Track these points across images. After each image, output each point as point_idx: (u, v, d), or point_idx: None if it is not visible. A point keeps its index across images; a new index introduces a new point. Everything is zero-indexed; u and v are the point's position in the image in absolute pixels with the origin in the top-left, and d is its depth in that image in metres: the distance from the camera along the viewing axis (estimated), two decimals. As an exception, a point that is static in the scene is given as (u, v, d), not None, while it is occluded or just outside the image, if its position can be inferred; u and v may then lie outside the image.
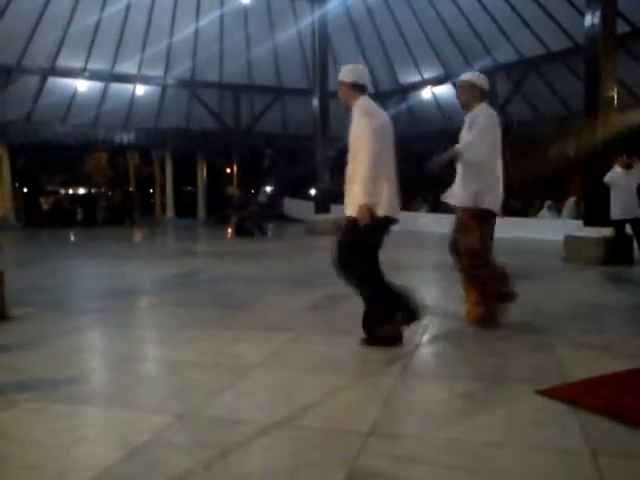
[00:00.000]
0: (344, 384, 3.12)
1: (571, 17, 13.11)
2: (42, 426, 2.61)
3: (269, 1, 17.85)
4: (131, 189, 24.09)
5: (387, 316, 3.76)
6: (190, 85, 19.33)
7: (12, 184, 18.84)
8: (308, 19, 16.83)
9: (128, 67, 18.03)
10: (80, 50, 17.04)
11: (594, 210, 8.59)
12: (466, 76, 4.42)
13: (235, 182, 23.03)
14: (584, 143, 9.08)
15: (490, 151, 4.21)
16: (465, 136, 4.27)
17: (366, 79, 3.91)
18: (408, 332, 3.95)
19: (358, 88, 3.82)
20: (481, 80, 4.37)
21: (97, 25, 16.63)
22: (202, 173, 22.19)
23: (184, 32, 17.61)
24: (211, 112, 19.79)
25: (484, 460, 2.25)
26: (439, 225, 13.98)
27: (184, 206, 22.85)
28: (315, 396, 2.92)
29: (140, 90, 18.75)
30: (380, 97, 20.50)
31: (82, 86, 17.82)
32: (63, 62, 17.08)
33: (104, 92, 18.40)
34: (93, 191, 27.75)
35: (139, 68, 18.33)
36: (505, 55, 15.95)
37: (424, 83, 18.65)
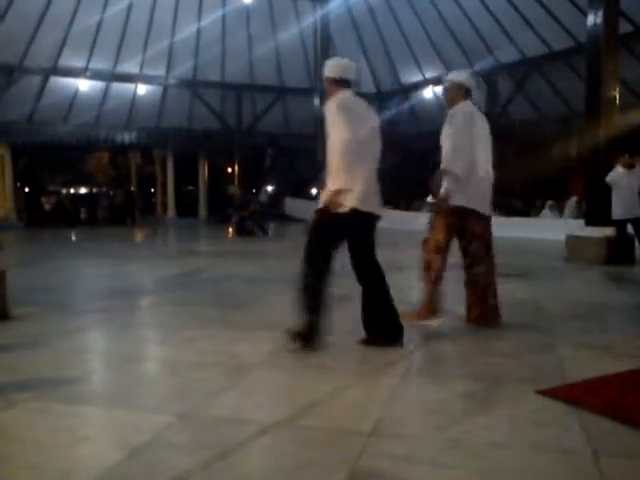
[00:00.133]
0: (345, 384, 3.12)
1: (573, 17, 13.09)
2: (43, 426, 2.61)
3: (271, 1, 17.85)
4: (133, 189, 24.11)
5: (317, 318, 3.70)
6: (192, 85, 19.34)
7: (14, 184, 18.87)
8: (310, 19, 16.87)
9: (130, 67, 18.05)
10: (82, 50, 17.07)
11: (596, 210, 8.58)
12: (452, 76, 4.46)
13: (236, 181, 23.05)
14: (586, 143, 9.07)
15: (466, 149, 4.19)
16: (445, 132, 4.26)
17: (351, 73, 3.81)
18: (409, 332, 3.94)
19: (342, 83, 3.77)
20: (467, 80, 4.43)
21: (99, 25, 16.66)
22: (203, 173, 22.21)
23: (186, 32, 17.63)
24: (213, 112, 19.80)
25: (485, 460, 2.25)
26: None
27: (185, 206, 22.86)
28: (316, 396, 2.91)
29: (142, 90, 18.77)
30: (382, 97, 20.57)
31: (84, 86, 17.85)
32: (65, 62, 17.11)
33: (106, 92, 18.43)
34: (95, 191, 27.79)
35: (141, 68, 18.35)
36: (507, 55, 15.95)
37: (426, 83, 18.65)
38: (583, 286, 6.64)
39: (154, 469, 2.20)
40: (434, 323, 4.40)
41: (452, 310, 4.89)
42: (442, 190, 4.16)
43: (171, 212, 21.61)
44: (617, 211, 8.27)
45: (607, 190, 8.33)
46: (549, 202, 14.31)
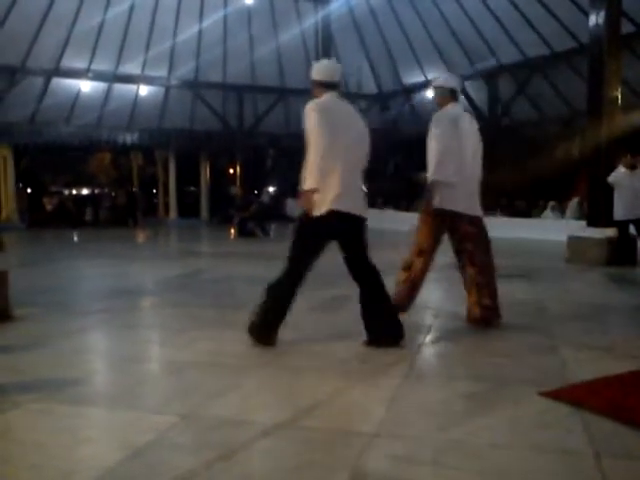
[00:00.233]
0: (347, 385, 3.12)
1: (575, 17, 13.06)
2: (44, 427, 2.61)
3: (272, 2, 17.85)
4: (134, 190, 24.13)
5: (274, 319, 3.75)
6: (193, 86, 19.34)
7: (16, 185, 18.89)
8: (311, 19, 16.87)
9: (132, 68, 18.05)
10: (84, 51, 17.08)
11: (598, 211, 8.57)
12: (438, 81, 4.54)
13: (238, 182, 23.06)
14: (588, 143, 9.06)
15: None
16: (430, 135, 4.29)
17: (335, 76, 3.83)
18: (412, 333, 3.94)
19: (326, 85, 3.80)
20: (453, 83, 4.50)
21: (101, 26, 16.66)
22: (205, 173, 22.21)
23: (188, 33, 17.63)
24: (214, 112, 19.80)
25: (487, 461, 2.25)
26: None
27: (187, 206, 22.87)
28: (318, 397, 2.91)
29: (144, 91, 18.77)
30: (383, 97, 20.57)
31: (86, 87, 17.85)
32: (67, 63, 17.12)
33: (108, 93, 18.44)
34: (96, 191, 27.81)
35: (143, 69, 18.35)
36: (509, 55, 15.93)
37: (427, 83, 18.63)
38: (585, 287, 6.63)
39: (156, 469, 2.21)
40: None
41: (453, 311, 4.90)
42: (429, 195, 4.23)
43: (173, 213, 21.62)
44: (619, 212, 8.26)
45: (609, 191, 8.32)
46: (551, 203, 14.29)
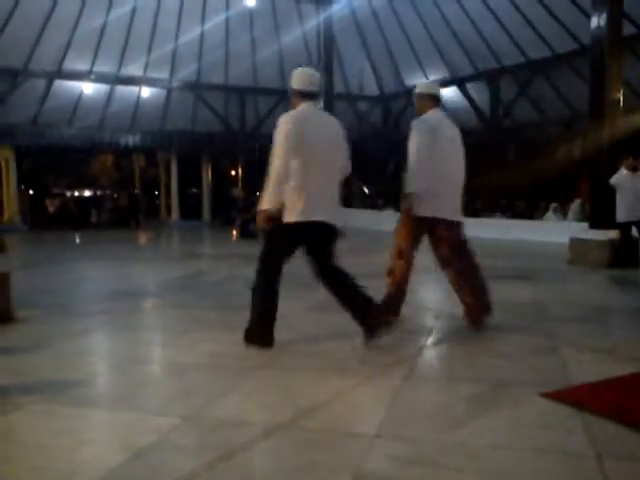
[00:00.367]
0: (348, 386, 3.12)
1: (577, 19, 13.07)
2: (46, 428, 2.61)
3: (274, 3, 17.87)
4: (136, 191, 24.16)
5: (263, 320, 3.81)
6: (195, 87, 19.37)
7: (18, 186, 18.91)
8: (313, 21, 16.89)
9: (134, 70, 18.08)
10: (86, 53, 17.11)
11: (600, 212, 8.56)
12: (418, 88, 4.60)
13: (240, 184, 23.06)
14: (590, 145, 9.05)
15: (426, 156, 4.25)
16: (410, 142, 4.32)
17: (313, 85, 3.87)
18: (413, 334, 3.94)
19: (303, 95, 3.83)
20: (432, 88, 4.59)
21: (103, 28, 16.69)
22: (207, 175, 22.23)
23: (190, 35, 17.66)
24: (216, 114, 19.82)
25: (488, 462, 2.25)
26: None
27: (189, 208, 22.88)
28: (319, 398, 2.92)
29: (146, 92, 18.80)
30: (385, 99, 20.58)
31: (88, 89, 17.89)
32: (69, 65, 17.15)
33: (110, 95, 18.47)
34: (99, 193, 27.85)
35: (145, 71, 18.38)
36: (510, 57, 15.93)
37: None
38: (587, 289, 6.62)
39: (158, 471, 2.21)
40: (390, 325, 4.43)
41: (453, 312, 4.89)
42: (406, 204, 4.30)
43: (175, 215, 21.63)
44: (621, 214, 8.25)
45: (611, 193, 8.31)
46: (553, 205, 14.27)
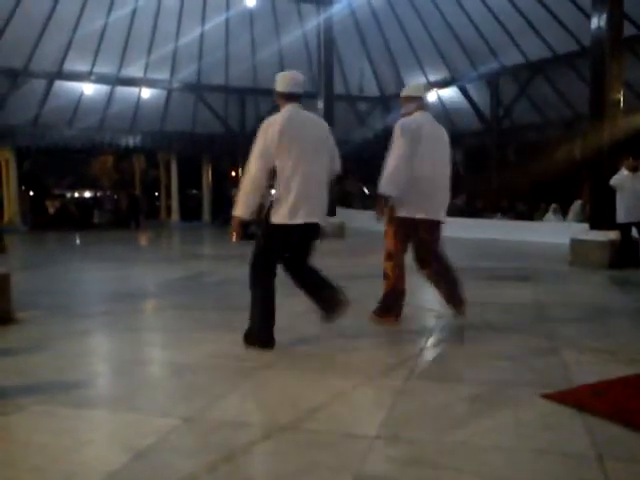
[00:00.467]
0: (349, 387, 3.11)
1: (577, 20, 13.08)
2: (47, 429, 2.61)
3: (274, 4, 17.88)
4: (137, 192, 24.18)
5: (262, 321, 3.84)
6: (196, 88, 19.38)
7: (18, 187, 18.92)
8: (313, 22, 16.86)
9: (134, 70, 18.09)
10: (87, 54, 17.12)
11: (600, 213, 8.56)
12: (404, 91, 4.64)
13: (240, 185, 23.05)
14: (590, 146, 9.05)
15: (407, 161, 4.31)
16: (391, 144, 4.40)
17: (295, 87, 3.92)
18: (413, 335, 3.94)
19: (286, 97, 3.89)
20: (417, 91, 4.64)
21: (103, 29, 16.70)
22: (207, 176, 22.24)
23: (190, 36, 17.67)
24: (217, 115, 19.84)
25: (489, 463, 2.25)
26: (443, 228, 13.99)
27: (189, 209, 22.89)
28: (320, 399, 2.91)
29: (146, 93, 18.81)
30: (386, 100, 20.57)
31: (88, 89, 17.90)
32: (70, 66, 17.16)
33: (110, 95, 18.48)
34: (99, 194, 27.87)
35: (145, 71, 18.39)
36: (511, 58, 15.94)
37: (429, 86, 18.64)
38: (587, 290, 6.62)
39: (158, 472, 2.21)
40: (393, 327, 4.48)
41: (450, 312, 4.89)
42: (379, 206, 4.40)
43: (175, 216, 21.64)
44: (621, 214, 8.25)
45: (611, 193, 8.31)
46: (553, 205, 14.27)
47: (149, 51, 17.76)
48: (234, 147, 21.42)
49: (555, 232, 11.82)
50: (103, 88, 18.25)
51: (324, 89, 14.74)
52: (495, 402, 2.89)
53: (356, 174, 22.24)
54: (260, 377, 3.36)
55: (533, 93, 16.46)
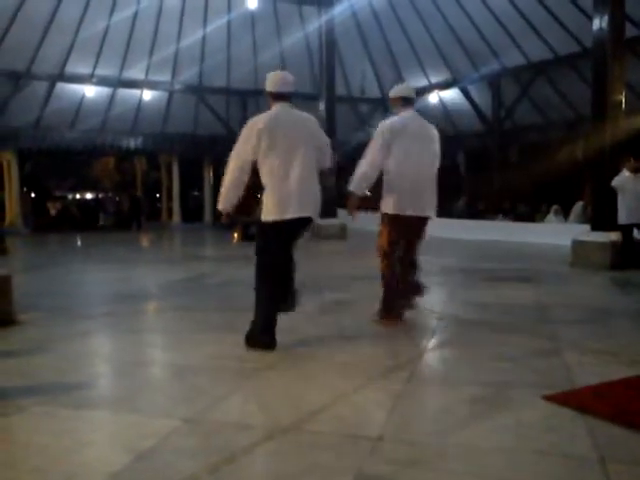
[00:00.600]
0: (350, 388, 3.11)
1: (579, 21, 13.08)
2: (48, 430, 2.61)
3: (276, 6, 17.90)
4: (138, 194, 24.21)
5: (264, 322, 3.87)
6: (197, 90, 19.40)
7: (20, 189, 18.94)
8: (315, 24, 16.89)
9: (136, 73, 18.11)
10: (88, 56, 17.15)
11: (602, 214, 8.55)
12: (390, 93, 4.77)
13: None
14: (592, 147, 9.05)
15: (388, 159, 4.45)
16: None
17: (284, 87, 3.99)
18: (415, 336, 3.94)
19: (275, 96, 3.97)
20: (403, 91, 4.73)
21: (105, 31, 16.74)
22: (209, 178, 22.24)
23: (191, 38, 17.69)
24: (218, 117, 19.85)
25: (491, 465, 2.24)
26: (445, 230, 13.99)
27: (190, 211, 22.91)
28: (322, 401, 2.91)
29: (147, 95, 18.83)
30: (387, 102, 20.56)
31: (90, 92, 17.92)
32: (71, 68, 17.20)
33: (112, 97, 18.51)
34: (100, 196, 27.91)
35: (146, 74, 18.42)
36: (513, 59, 15.94)
37: (431, 87, 18.65)
38: (589, 291, 6.61)
39: (160, 473, 2.21)
40: (395, 326, 4.51)
41: (456, 314, 4.89)
42: (351, 203, 4.62)
43: (176, 217, 21.64)
44: (623, 216, 8.25)
45: (613, 195, 8.31)
46: (554, 207, 14.27)
47: (151, 53, 17.78)
48: (235, 149, 21.46)
49: (556, 233, 11.81)
50: (105, 90, 18.28)
51: (325, 91, 14.75)
52: (496, 404, 2.89)
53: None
54: (262, 378, 3.36)
55: (535, 94, 16.46)
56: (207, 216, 22.11)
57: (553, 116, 16.35)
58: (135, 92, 18.76)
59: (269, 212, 3.84)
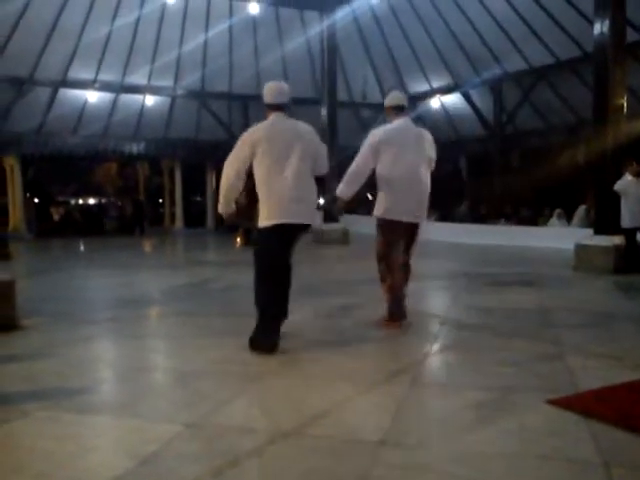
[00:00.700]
0: (353, 393, 3.11)
1: (580, 26, 13.08)
2: (52, 435, 2.61)
3: (278, 11, 17.95)
4: (141, 199, 24.26)
5: (266, 326, 3.90)
6: (199, 95, 19.44)
7: (23, 194, 18.99)
8: (316, 29, 16.94)
9: (138, 78, 18.16)
10: (91, 62, 17.21)
11: (604, 218, 8.55)
12: (385, 102, 4.90)
13: (244, 192, 23.07)
14: (594, 151, 9.05)
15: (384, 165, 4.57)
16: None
17: (279, 98, 4.11)
18: (418, 341, 3.93)
19: (271, 107, 4.11)
20: (395, 100, 4.85)
21: (108, 37, 16.79)
22: (211, 183, 22.27)
23: (193, 43, 17.73)
24: (220, 122, 19.88)
25: (495, 470, 2.24)
26: (447, 234, 13.99)
27: (193, 216, 22.94)
28: (325, 405, 2.91)
29: (150, 101, 18.87)
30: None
31: (93, 97, 17.97)
32: (74, 74, 17.25)
33: (114, 103, 18.55)
34: (103, 201, 27.98)
35: (149, 79, 18.47)
36: (514, 64, 15.95)
37: (433, 92, 18.68)
38: (592, 295, 6.60)
39: (163, 478, 2.21)
40: (398, 329, 4.54)
41: (459, 319, 4.89)
42: (337, 209, 4.84)
43: (179, 222, 21.66)
44: (626, 219, 8.25)
45: (616, 198, 8.30)
46: (557, 210, 14.26)
47: (153, 59, 17.83)
48: (238, 154, 21.48)
49: (559, 237, 11.80)
50: (107, 96, 18.33)
51: (327, 96, 14.78)
52: (500, 408, 2.89)
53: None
54: (265, 383, 3.36)
55: (536, 99, 16.46)
56: (210, 221, 22.13)
57: (555, 120, 16.35)
58: (137, 97, 18.81)
59: (264, 218, 3.96)
